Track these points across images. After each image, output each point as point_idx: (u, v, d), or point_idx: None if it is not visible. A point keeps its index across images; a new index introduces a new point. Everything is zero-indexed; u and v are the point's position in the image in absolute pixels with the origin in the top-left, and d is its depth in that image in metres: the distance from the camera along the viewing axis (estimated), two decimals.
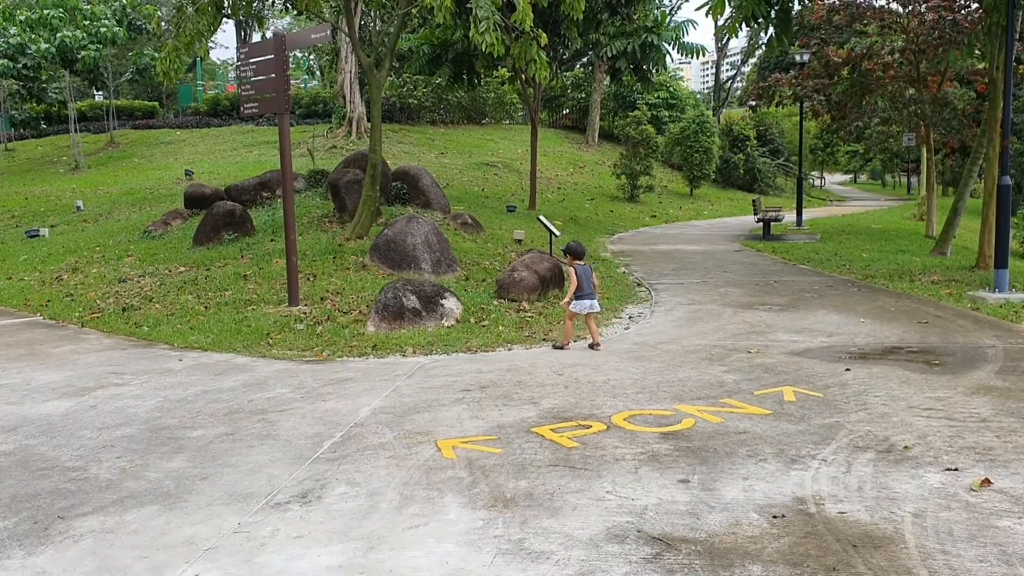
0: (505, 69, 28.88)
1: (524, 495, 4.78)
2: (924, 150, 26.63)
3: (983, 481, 4.83)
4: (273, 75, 10.19)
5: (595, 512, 4.53)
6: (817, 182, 59.97)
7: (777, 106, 27.04)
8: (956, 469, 5.07)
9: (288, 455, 5.61)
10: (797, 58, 24.67)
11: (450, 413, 6.41)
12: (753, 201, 25.34)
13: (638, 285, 13.69)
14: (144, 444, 5.91)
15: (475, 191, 29.32)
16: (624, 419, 6.18)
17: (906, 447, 5.48)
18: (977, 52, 18.99)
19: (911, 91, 23.50)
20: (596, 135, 46.11)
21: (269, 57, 10.28)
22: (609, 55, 23.96)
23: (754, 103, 30.59)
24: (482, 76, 32.06)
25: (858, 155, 62.81)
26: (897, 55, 22.09)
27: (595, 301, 8.88)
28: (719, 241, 22.22)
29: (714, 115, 48.92)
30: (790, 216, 27.97)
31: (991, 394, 6.68)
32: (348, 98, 36.51)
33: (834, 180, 73.83)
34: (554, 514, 4.51)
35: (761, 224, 23.51)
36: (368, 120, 38.01)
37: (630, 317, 10.86)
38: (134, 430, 6.24)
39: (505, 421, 6.18)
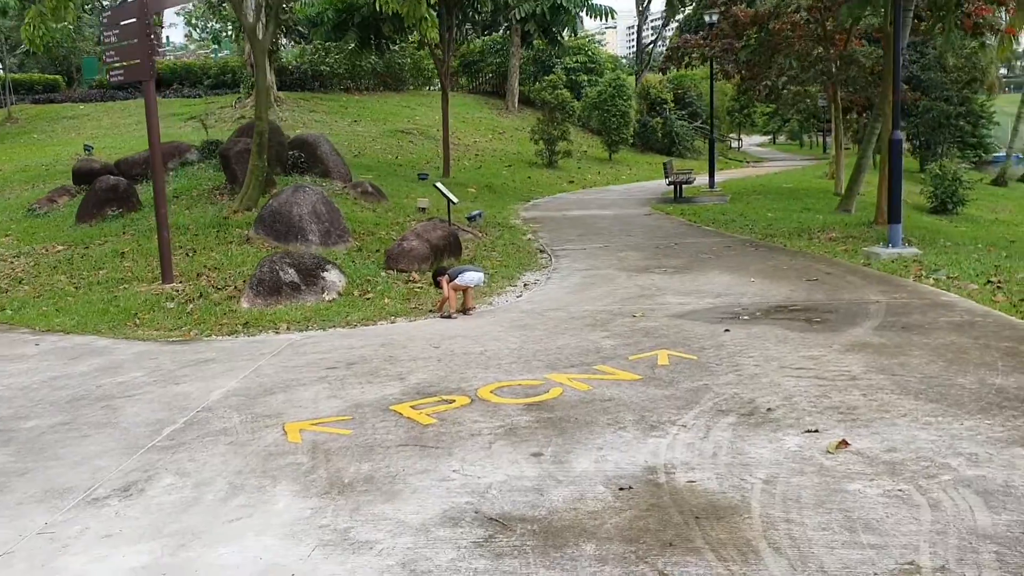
0: (417, 33, 28.29)
1: (364, 479, 4.49)
2: (833, 109, 26.89)
3: (840, 443, 4.70)
4: (136, 40, 9.58)
5: (435, 494, 4.26)
6: (735, 144, 60.52)
7: (686, 67, 27.01)
8: (816, 431, 4.94)
9: (122, 444, 5.22)
10: (706, 19, 24.59)
11: (308, 393, 6.07)
12: (664, 164, 25.31)
13: (541, 252, 13.46)
14: None
15: (388, 159, 28.73)
16: (491, 391, 5.92)
17: (769, 409, 5.33)
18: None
19: (819, 50, 23.62)
20: (516, 101, 45.61)
21: (132, 21, 9.66)
22: (518, 17, 23.57)
23: (664, 66, 30.48)
24: (392, 41, 31.36)
25: (776, 116, 63.63)
26: (804, 13, 22.13)
27: (482, 275, 8.63)
28: (631, 205, 22.13)
29: (637, 79, 48.89)
30: (703, 178, 28.10)
31: (865, 351, 6.60)
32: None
33: (753, 142, 74.68)
34: (391, 498, 4.23)
35: (673, 187, 23.49)
36: (278, 89, 37.08)
37: (525, 285, 10.61)
38: None
39: (365, 399, 5.88)
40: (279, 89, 37.56)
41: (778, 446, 4.73)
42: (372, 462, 4.72)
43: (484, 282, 8.79)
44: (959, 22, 17.48)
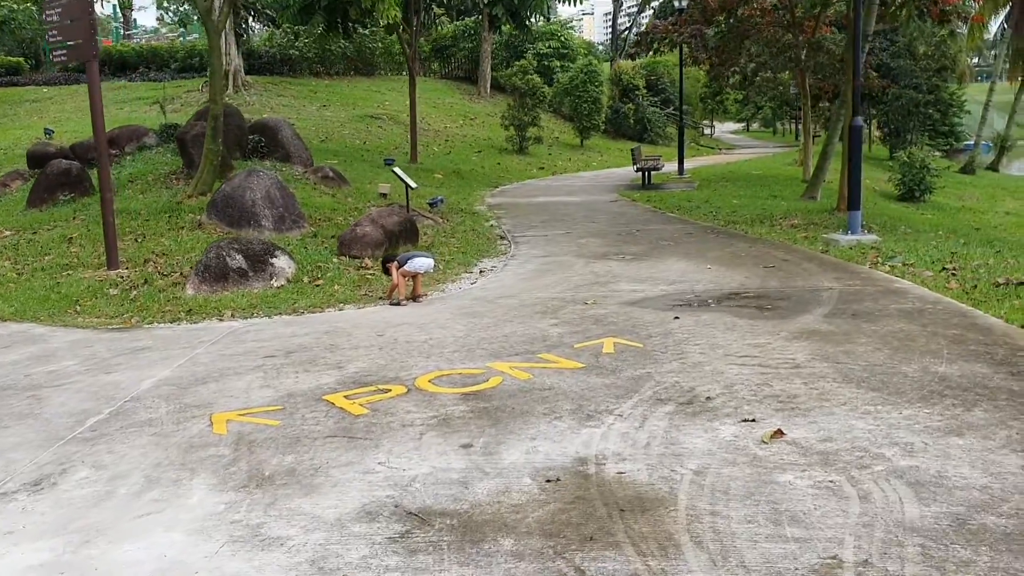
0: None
1: (285, 472, 4.34)
2: (803, 96, 26.87)
3: (775, 432, 4.62)
4: (79, 19, 9.30)
5: (357, 487, 4.13)
6: (708, 131, 60.55)
7: (655, 53, 26.84)
8: (753, 420, 4.84)
9: (41, 436, 5.03)
10: (676, 3, 24.47)
11: (241, 383, 5.91)
12: (632, 151, 25.22)
13: (501, 238, 13.31)
14: None
15: (356, 144, 28.42)
16: (429, 380, 5.79)
17: (708, 398, 5.24)
18: None
19: (787, 36, 23.56)
20: (488, 86, 45.27)
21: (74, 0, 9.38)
22: (486, 1, 23.31)
23: (633, 52, 30.30)
24: (362, 24, 30.99)
25: (749, 103, 63.69)
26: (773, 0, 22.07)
27: (431, 261, 8.49)
28: (599, 192, 22.01)
29: (612, 65, 48.70)
30: (673, 165, 28.04)
31: (812, 339, 6.53)
32: (224, 50, 34.72)
33: (726, 129, 74.77)
34: (310, 492, 4.09)
35: (641, 174, 23.39)
36: (246, 73, 36.62)
37: (481, 271, 10.47)
38: None
39: (299, 389, 5.72)
40: (247, 73, 37.09)
41: (713, 436, 4.64)
42: (296, 454, 4.57)
43: (434, 268, 8.64)
44: (925, 9, 17.49)
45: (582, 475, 4.19)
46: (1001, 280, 8.43)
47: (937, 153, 53.45)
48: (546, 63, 44.64)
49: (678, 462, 4.30)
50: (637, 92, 45.34)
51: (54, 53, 9.81)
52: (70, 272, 9.68)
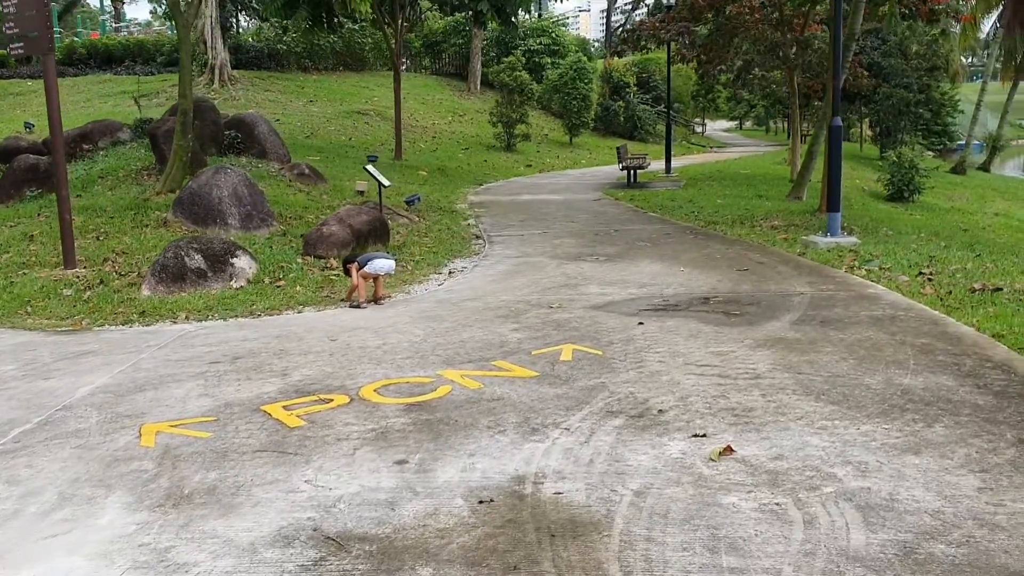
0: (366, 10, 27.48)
1: (206, 490, 4.12)
2: (791, 94, 26.65)
3: (725, 449, 4.41)
4: (34, 11, 9.04)
5: (278, 508, 3.91)
6: (699, 129, 60.33)
7: (641, 51, 26.61)
8: (704, 435, 4.64)
9: None
10: (664, 1, 24.22)
11: (180, 391, 5.68)
12: (618, 149, 24.98)
13: (476, 238, 13.08)
14: None
15: (341, 140, 28.17)
16: (375, 390, 5.57)
17: (661, 411, 5.03)
18: None
19: (776, 34, 23.34)
20: (478, 82, 44.97)
21: None
22: None
23: (618, 49, 30.02)
24: (352, 19, 30.68)
25: (743, 101, 63.44)
26: None
27: (392, 263, 8.27)
28: (583, 190, 21.77)
29: (604, 62, 48.40)
30: (660, 164, 27.83)
31: (777, 347, 6.32)
32: (209, 44, 34.53)
33: (719, 127, 74.53)
34: (227, 513, 3.87)
35: (626, 172, 23.16)
36: (232, 68, 36.27)
37: (450, 272, 10.24)
38: None
39: (238, 398, 5.49)
40: (234, 67, 36.76)
41: (660, 452, 4.43)
42: (221, 470, 4.35)
43: (395, 270, 8.41)
44: (914, 8, 17.29)
45: (517, 495, 3.97)
46: (977, 286, 8.24)
47: (930, 153, 53.31)
48: (537, 60, 44.39)
49: (620, 481, 4.09)
50: (627, 89, 45.09)
51: (11, 46, 9.53)
52: (26, 271, 9.43)
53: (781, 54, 23.39)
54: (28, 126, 27.01)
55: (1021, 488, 3.90)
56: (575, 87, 37.76)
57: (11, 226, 11.69)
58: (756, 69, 25.76)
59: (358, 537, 3.61)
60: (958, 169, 40.89)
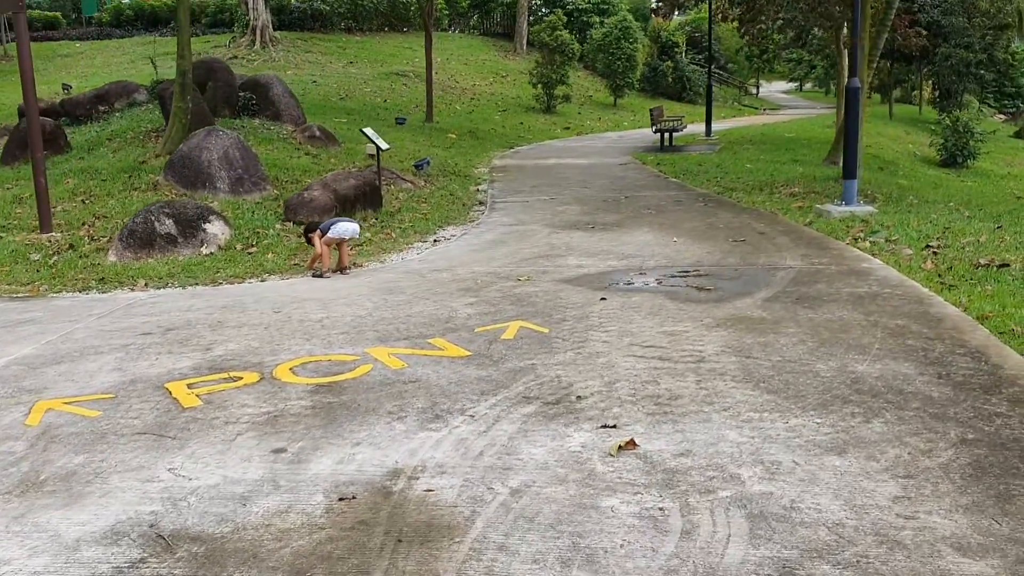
0: None
1: (63, 476, 3.88)
2: (838, 54, 25.53)
3: (628, 443, 4.02)
4: None
5: (125, 500, 3.65)
6: (753, 90, 58.62)
7: (681, 9, 25.66)
8: (615, 426, 4.25)
9: None
10: None
11: (94, 364, 5.46)
12: (652, 111, 24.24)
13: (479, 204, 12.72)
14: None
15: (376, 102, 27.91)
16: (290, 368, 5.28)
17: (580, 397, 4.65)
18: None
19: None
20: (524, 43, 44.14)
21: None
22: None
23: (660, 10, 29.09)
24: None
25: (803, 61, 61.34)
26: None
27: (356, 227, 7.96)
28: (614, 154, 21.19)
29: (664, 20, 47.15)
30: (699, 126, 27.02)
31: (736, 327, 5.87)
32: (251, 5, 34.47)
33: (778, 88, 72.42)
34: (71, 503, 3.63)
35: (659, 135, 22.47)
36: (275, 29, 36.14)
37: (435, 241, 9.91)
38: None
39: (149, 374, 5.26)
40: (277, 29, 36.63)
41: (559, 445, 4.06)
42: (90, 454, 4.11)
43: (359, 234, 8.10)
44: None
45: (384, 492, 3.65)
46: (984, 261, 7.63)
47: (1001, 116, 51.12)
48: (585, 19, 43.43)
49: (501, 478, 3.74)
50: (676, 49, 43.88)
51: None
52: (3, 235, 9.35)
53: (824, 12, 22.31)
54: (66, 88, 27.27)
55: (943, 498, 3.45)
56: (619, 47, 36.83)
57: (7, 188, 11.68)
58: (790, 27, 24.59)
59: (191, 537, 3.33)
60: (1022, 133, 39.04)
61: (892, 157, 24.14)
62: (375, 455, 4.02)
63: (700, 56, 46.96)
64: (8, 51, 37.52)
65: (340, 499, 3.60)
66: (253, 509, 3.54)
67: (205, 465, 3.96)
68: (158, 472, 3.90)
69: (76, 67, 34.71)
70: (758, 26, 23.57)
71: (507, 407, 4.55)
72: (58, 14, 43.90)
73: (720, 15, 24.39)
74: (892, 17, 17.31)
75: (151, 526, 3.42)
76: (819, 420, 4.25)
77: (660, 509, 3.43)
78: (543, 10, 45.75)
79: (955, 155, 26.01)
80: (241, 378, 5.09)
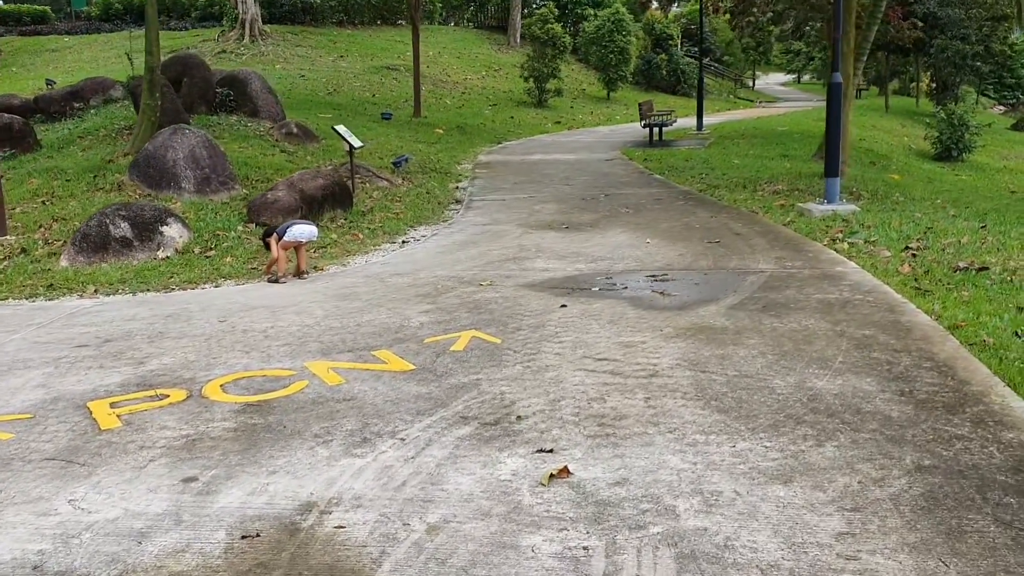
0: None
1: None
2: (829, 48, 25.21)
3: (561, 471, 3.77)
4: None
5: (15, 536, 3.39)
6: (750, 83, 58.24)
7: (675, 1, 25.26)
8: (551, 451, 4.00)
9: None
10: None
11: (19, 380, 5.20)
12: (640, 105, 23.92)
13: (456, 203, 12.44)
14: None
15: (364, 97, 27.59)
16: (221, 385, 5.02)
17: (520, 417, 4.40)
18: None
19: None
20: (518, 36, 43.78)
21: None
22: None
23: (646, 2, 28.81)
24: None
25: (801, 53, 60.90)
26: None
27: (313, 229, 7.69)
28: (602, 149, 20.89)
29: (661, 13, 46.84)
30: (690, 120, 26.73)
31: (696, 337, 5.61)
32: None
33: (775, 81, 72.01)
34: None
35: (648, 130, 22.17)
36: (264, 22, 35.81)
37: (403, 242, 9.64)
38: None
39: (74, 391, 5.00)
40: (267, 22, 36.31)
41: (489, 472, 3.81)
42: None
43: (316, 237, 7.83)
44: None
45: (291, 529, 3.40)
46: (963, 264, 7.37)
47: (1000, 108, 50.72)
48: (578, 11, 43.09)
49: (420, 512, 3.48)
50: (670, 42, 43.52)
51: None
52: None
53: (814, 2, 21.99)
54: (50, 83, 26.97)
55: (889, 535, 3.20)
56: (612, 40, 36.51)
57: None
58: (777, 22, 24.30)
59: None
60: (1020, 126, 38.70)
61: (886, 151, 23.85)
62: (290, 485, 3.76)
63: (696, 49, 46.61)
64: None
65: (243, 537, 3.35)
66: (148, 548, 3.28)
67: (108, 496, 3.71)
68: (57, 504, 3.65)
69: (64, 62, 34.40)
70: (748, 18, 23.25)
71: (442, 428, 4.29)
72: (47, 8, 43.53)
73: (711, 7, 24.04)
74: (883, 9, 16.97)
75: (35, 568, 3.17)
76: (768, 444, 4.00)
77: (584, 548, 3.18)
78: (537, 2, 45.37)
79: (950, 149, 25.71)
80: (168, 396, 4.84)
